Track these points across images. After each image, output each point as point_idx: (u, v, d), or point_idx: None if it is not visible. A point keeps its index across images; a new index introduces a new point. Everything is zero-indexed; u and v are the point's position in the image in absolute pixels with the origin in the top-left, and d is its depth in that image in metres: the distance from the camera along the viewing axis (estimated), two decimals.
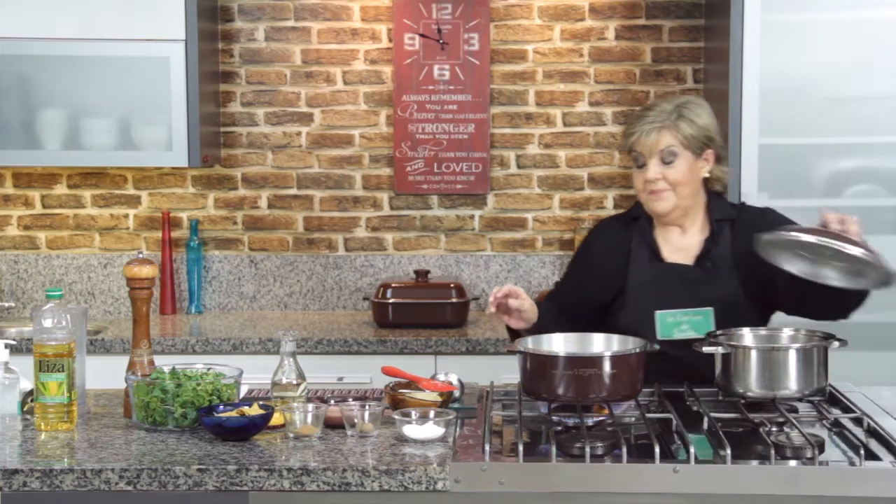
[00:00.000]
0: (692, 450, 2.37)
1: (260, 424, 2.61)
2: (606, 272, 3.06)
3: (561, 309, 3.11)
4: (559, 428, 2.62)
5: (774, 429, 2.57)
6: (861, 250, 2.65)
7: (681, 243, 3.06)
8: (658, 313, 2.97)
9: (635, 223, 3.09)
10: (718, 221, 3.04)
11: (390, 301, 4.25)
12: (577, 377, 2.61)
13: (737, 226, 3.04)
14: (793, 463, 2.41)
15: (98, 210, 4.68)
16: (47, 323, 2.69)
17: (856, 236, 2.69)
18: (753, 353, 2.73)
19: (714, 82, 4.37)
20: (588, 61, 4.63)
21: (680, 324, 2.97)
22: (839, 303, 2.89)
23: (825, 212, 2.75)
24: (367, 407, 2.61)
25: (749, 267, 2.95)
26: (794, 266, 2.77)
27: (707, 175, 3.03)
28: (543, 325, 2.94)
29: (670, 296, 2.98)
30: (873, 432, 2.60)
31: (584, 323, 3.00)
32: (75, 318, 2.77)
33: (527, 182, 4.66)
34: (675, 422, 2.61)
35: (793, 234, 2.72)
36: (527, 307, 2.92)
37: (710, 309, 2.95)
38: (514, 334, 3.01)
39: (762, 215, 3.08)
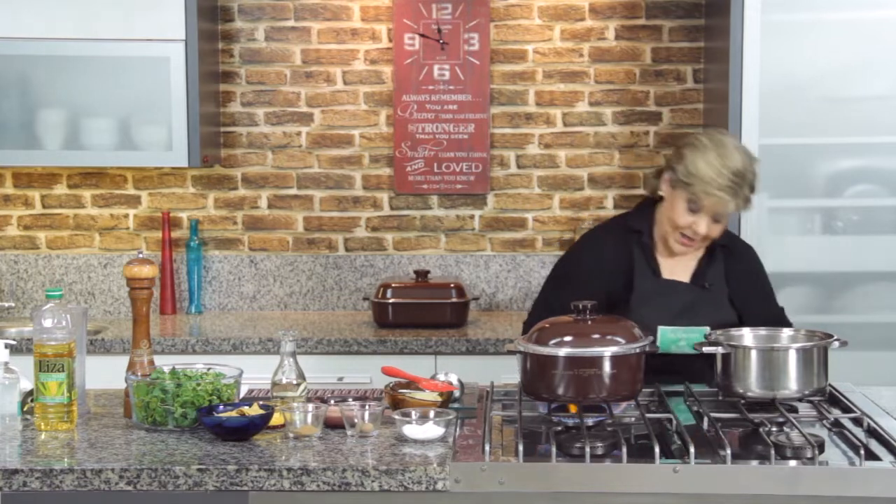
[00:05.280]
0: (692, 449, 2.38)
1: (260, 424, 2.61)
2: (613, 281, 3.08)
3: None
4: (559, 428, 2.63)
5: (774, 429, 2.57)
6: None
7: (679, 262, 3.13)
8: (661, 328, 3.01)
9: (634, 236, 3.12)
10: (715, 245, 3.12)
11: (390, 301, 4.25)
12: (577, 377, 2.61)
13: (728, 251, 3.14)
14: (793, 463, 2.41)
15: (98, 210, 4.68)
16: (47, 323, 2.69)
17: None
18: (753, 353, 2.73)
19: (714, 82, 4.37)
20: (588, 61, 4.63)
21: (678, 340, 3.03)
22: None
23: None
24: (367, 407, 2.61)
25: (735, 293, 3.09)
26: None
27: None
28: None
29: (670, 312, 3.04)
30: (873, 432, 2.60)
31: None
32: (75, 318, 2.77)
33: (527, 182, 4.66)
34: (675, 422, 2.62)
35: None
36: None
37: (707, 328, 2.99)
38: None
39: (748, 251, 3.21)
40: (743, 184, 2.96)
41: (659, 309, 3.02)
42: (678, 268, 3.11)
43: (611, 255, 3.12)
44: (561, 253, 4.63)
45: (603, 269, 3.11)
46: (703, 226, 3.00)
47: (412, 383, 2.87)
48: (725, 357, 2.75)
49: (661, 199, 3.10)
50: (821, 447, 2.48)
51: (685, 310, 3.04)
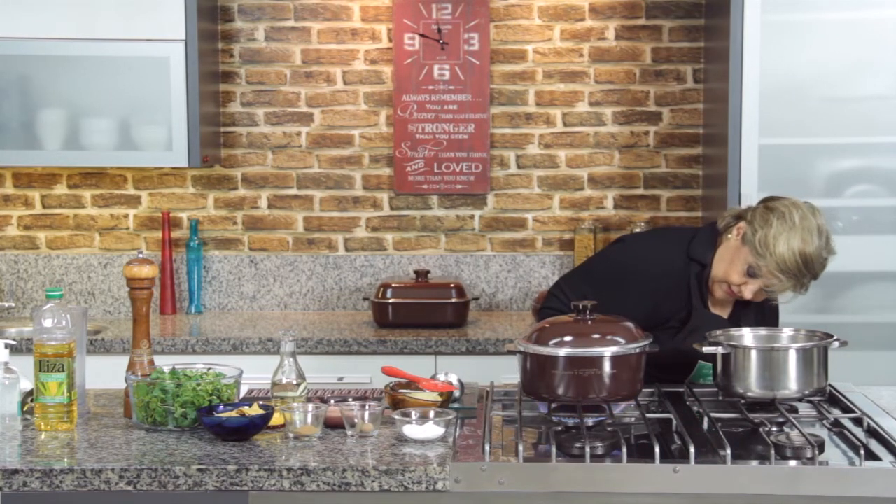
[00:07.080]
0: (692, 449, 2.38)
1: (260, 424, 2.61)
2: (673, 300, 3.05)
3: None
4: (559, 428, 2.63)
5: (774, 429, 2.57)
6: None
7: (722, 298, 3.09)
8: (701, 363, 3.01)
9: (695, 265, 3.05)
10: None
11: (390, 301, 4.25)
12: (577, 377, 2.61)
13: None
14: (793, 463, 2.41)
15: (98, 210, 4.68)
16: (47, 323, 2.69)
17: None
18: (753, 353, 2.73)
19: (714, 82, 4.37)
20: (588, 61, 4.63)
21: (708, 375, 3.01)
22: None
23: None
24: (367, 407, 2.61)
25: None
26: None
27: None
28: None
29: None
30: (873, 432, 2.60)
31: None
32: (75, 318, 2.77)
33: (527, 182, 4.66)
34: (675, 422, 2.62)
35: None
36: None
37: None
38: None
39: (776, 308, 3.16)
40: (807, 273, 2.91)
41: (700, 340, 2.93)
42: (721, 305, 3.09)
43: (676, 277, 3.05)
44: (561, 253, 4.64)
45: (664, 286, 3.05)
46: (751, 291, 2.96)
47: (412, 383, 2.87)
48: (725, 357, 2.74)
49: (725, 236, 3.04)
50: (821, 447, 2.48)
51: None
